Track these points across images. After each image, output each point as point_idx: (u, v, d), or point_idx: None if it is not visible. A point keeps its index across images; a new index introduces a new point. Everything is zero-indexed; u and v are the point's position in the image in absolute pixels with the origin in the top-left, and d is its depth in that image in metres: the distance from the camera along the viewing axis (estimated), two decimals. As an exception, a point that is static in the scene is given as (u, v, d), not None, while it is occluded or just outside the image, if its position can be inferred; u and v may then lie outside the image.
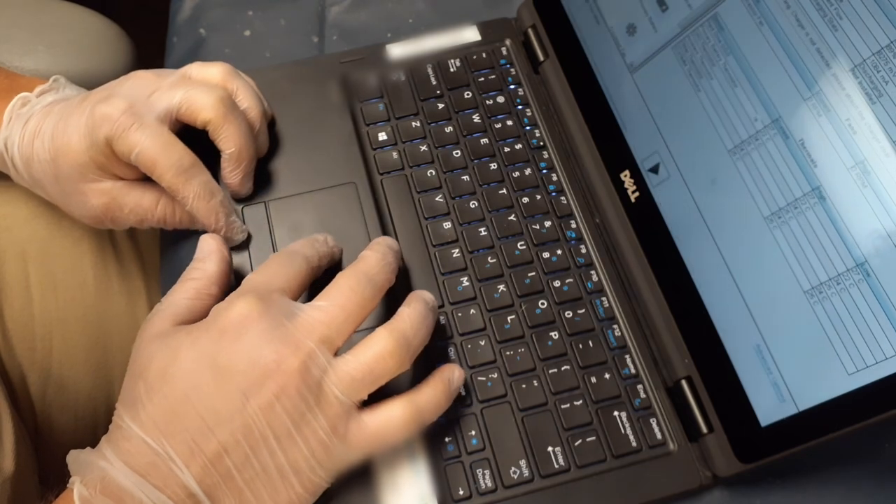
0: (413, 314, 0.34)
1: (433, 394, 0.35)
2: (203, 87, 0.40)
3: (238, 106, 0.41)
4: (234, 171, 0.41)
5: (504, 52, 0.50)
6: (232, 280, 0.38)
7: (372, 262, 0.35)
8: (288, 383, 0.31)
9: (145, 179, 0.40)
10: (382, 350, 0.33)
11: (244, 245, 0.42)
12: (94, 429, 0.51)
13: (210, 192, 0.39)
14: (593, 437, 0.38)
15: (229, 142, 0.40)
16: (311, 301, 0.34)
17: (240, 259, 0.42)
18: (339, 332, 0.33)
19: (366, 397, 0.33)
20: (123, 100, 0.38)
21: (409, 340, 0.34)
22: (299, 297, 0.36)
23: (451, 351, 0.40)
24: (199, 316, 0.35)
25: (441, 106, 0.47)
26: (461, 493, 0.37)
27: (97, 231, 0.52)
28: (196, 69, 0.42)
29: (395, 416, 0.33)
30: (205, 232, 0.40)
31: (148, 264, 0.55)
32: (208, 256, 0.37)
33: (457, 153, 0.46)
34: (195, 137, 0.40)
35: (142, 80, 0.40)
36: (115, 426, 0.32)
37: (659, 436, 0.38)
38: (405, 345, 0.33)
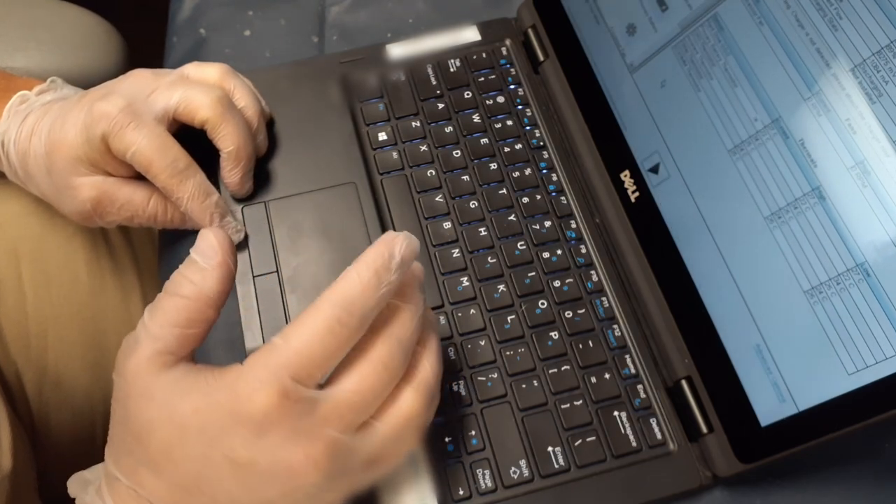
0: (433, 358, 0.32)
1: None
2: (201, 87, 0.40)
3: (235, 105, 0.41)
4: (234, 170, 0.41)
5: (504, 52, 0.50)
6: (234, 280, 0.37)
7: (408, 325, 0.31)
8: (317, 480, 0.29)
9: (137, 177, 0.40)
10: (410, 411, 0.31)
11: (243, 245, 0.42)
12: (91, 425, 0.51)
13: (204, 192, 0.39)
14: (593, 437, 0.38)
15: (227, 140, 0.40)
16: (339, 370, 0.30)
17: (240, 259, 0.42)
18: (367, 412, 0.30)
19: None
20: (122, 98, 0.38)
21: (434, 393, 0.32)
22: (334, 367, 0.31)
23: (451, 351, 0.40)
24: (190, 346, 0.30)
25: (441, 106, 0.47)
26: (461, 493, 0.37)
27: (90, 228, 0.52)
28: (193, 69, 0.42)
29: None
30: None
31: (141, 260, 0.55)
32: (204, 271, 0.30)
33: (457, 153, 0.46)
34: (194, 138, 0.40)
35: (141, 79, 0.40)
36: (112, 478, 0.30)
37: (659, 436, 0.38)
38: (430, 398, 0.31)
